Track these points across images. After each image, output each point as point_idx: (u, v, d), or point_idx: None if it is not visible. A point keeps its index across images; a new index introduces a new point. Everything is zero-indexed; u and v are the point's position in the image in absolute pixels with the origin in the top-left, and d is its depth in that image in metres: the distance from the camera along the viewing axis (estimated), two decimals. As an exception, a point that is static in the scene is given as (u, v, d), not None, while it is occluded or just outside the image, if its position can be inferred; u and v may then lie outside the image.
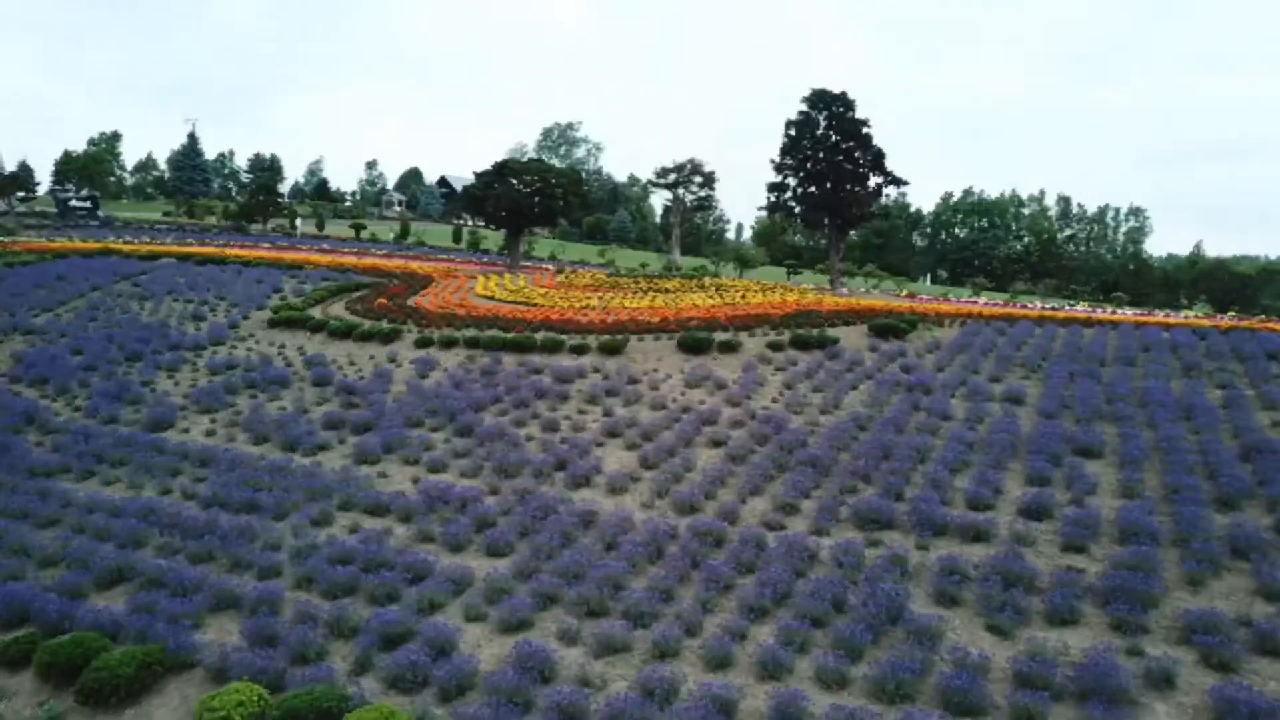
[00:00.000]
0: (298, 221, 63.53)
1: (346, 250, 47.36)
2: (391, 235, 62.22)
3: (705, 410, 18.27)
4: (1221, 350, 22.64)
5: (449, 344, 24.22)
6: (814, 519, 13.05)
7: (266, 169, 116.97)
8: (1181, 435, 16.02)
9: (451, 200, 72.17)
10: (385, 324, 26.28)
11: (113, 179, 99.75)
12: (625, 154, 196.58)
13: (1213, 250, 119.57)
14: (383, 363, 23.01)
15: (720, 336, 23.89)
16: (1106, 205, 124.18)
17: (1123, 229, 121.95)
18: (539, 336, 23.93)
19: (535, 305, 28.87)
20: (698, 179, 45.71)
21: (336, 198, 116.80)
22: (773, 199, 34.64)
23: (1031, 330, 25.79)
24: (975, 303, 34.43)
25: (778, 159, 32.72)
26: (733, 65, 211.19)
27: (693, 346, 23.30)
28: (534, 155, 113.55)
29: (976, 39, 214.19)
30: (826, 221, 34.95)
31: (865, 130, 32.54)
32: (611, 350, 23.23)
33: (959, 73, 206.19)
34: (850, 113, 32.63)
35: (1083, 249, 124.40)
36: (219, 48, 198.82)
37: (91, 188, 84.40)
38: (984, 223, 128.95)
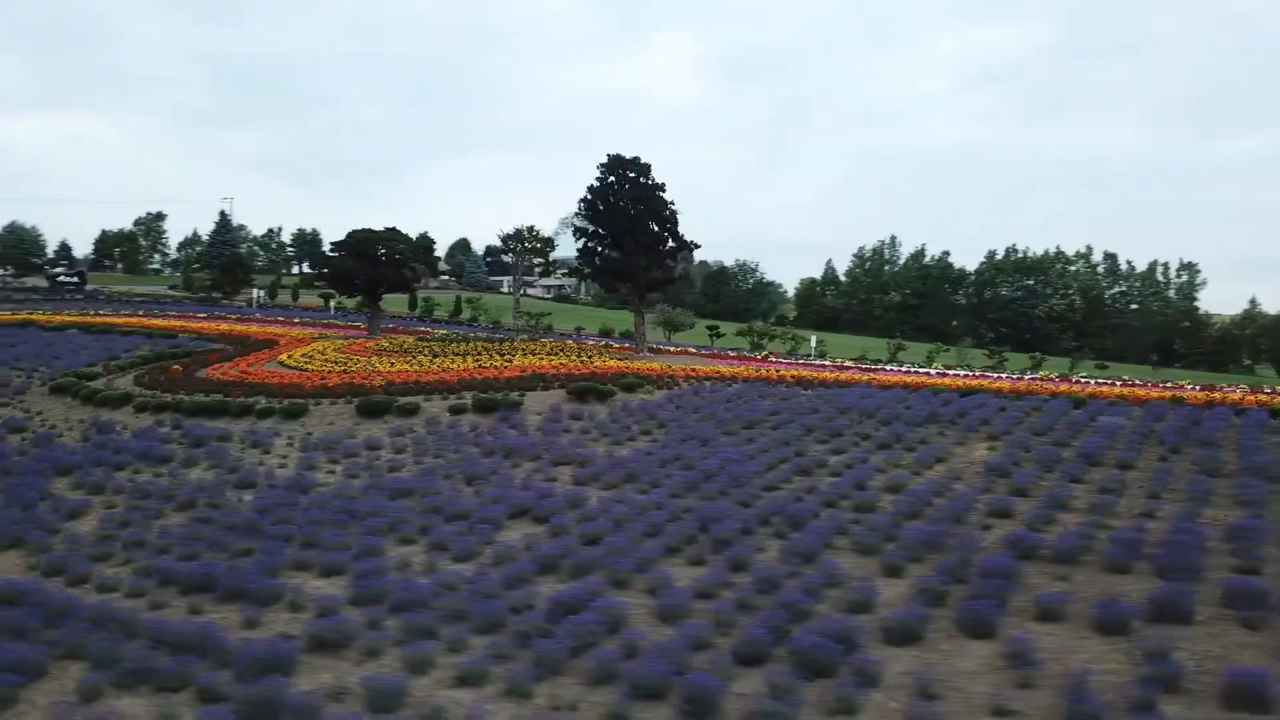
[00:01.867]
0: (254, 292, 66.91)
1: (256, 318, 49.52)
2: (352, 304, 64.42)
3: (258, 475, 18.42)
4: (919, 414, 21.49)
5: (161, 409, 25.06)
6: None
7: (308, 243, 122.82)
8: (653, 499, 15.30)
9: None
10: (138, 391, 27.42)
11: (157, 254, 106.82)
12: (724, 223, 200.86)
13: (1270, 306, 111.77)
14: (74, 427, 23.97)
15: (402, 400, 24.03)
16: (1155, 261, 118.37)
17: (1173, 285, 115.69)
18: (235, 401, 24.57)
19: (305, 371, 29.60)
20: (536, 244, 46.65)
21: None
22: (582, 265, 34.73)
23: (744, 393, 24.99)
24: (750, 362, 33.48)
25: (580, 225, 33.03)
26: (838, 135, 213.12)
27: (370, 411, 23.53)
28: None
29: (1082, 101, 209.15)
30: (629, 286, 34.84)
31: (660, 194, 32.52)
32: (293, 414, 23.67)
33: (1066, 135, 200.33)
34: (644, 178, 32.64)
35: (1134, 306, 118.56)
36: (343, 127, 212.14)
37: (126, 264, 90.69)
38: (1029, 281, 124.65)
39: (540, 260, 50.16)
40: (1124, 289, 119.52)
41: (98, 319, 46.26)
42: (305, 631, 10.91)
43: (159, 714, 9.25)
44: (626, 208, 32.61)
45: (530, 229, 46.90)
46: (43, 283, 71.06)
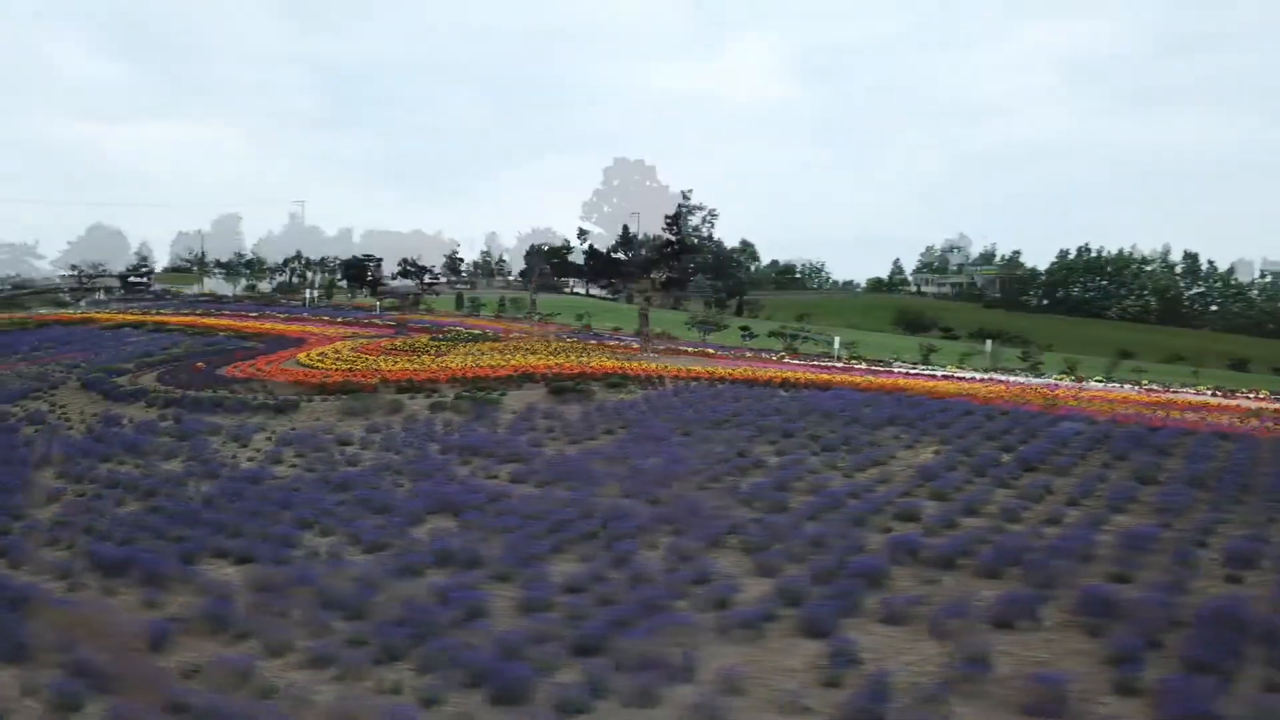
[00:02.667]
0: (308, 292, 69.46)
1: (302, 317, 51.47)
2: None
3: (224, 467, 19.39)
4: (880, 416, 21.40)
5: (168, 404, 26.41)
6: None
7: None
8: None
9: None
10: (154, 386, 28.95)
11: (235, 254, 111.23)
12: (803, 222, 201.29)
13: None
14: (86, 420, 25.45)
15: (388, 397, 24.87)
16: (1239, 259, 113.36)
17: (1257, 285, 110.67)
18: (233, 397, 25.78)
19: (315, 369, 30.78)
20: (550, 246, 47.55)
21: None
22: (586, 265, 35.30)
23: (723, 393, 25.15)
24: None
25: (581, 227, 33.76)
26: (916, 133, 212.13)
27: (354, 408, 24.41)
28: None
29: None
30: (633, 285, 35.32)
31: (667, 196, 32.78)
32: (284, 410, 24.73)
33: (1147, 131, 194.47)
34: (650, 180, 32.96)
35: (1214, 308, 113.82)
36: (435, 130, 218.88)
37: (202, 264, 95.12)
38: (1103, 281, 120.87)
39: (556, 260, 51.40)
40: (1203, 290, 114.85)
41: (151, 317, 48.60)
42: (189, 613, 11.61)
43: (23, 684, 10.07)
44: (630, 210, 33.08)
45: (547, 230, 48.40)
46: (115, 283, 75.12)
